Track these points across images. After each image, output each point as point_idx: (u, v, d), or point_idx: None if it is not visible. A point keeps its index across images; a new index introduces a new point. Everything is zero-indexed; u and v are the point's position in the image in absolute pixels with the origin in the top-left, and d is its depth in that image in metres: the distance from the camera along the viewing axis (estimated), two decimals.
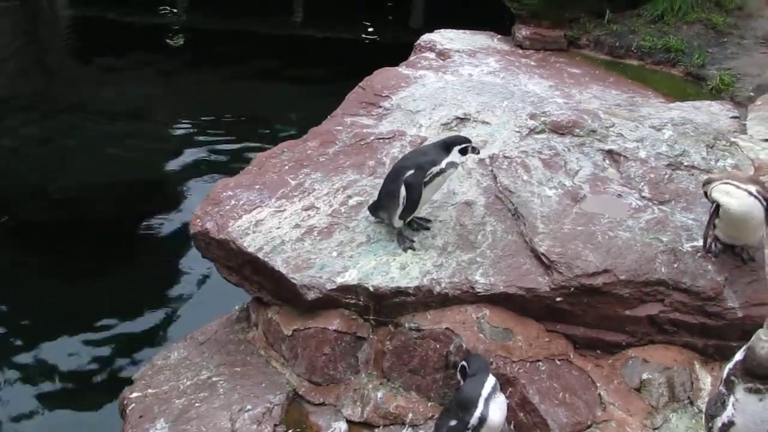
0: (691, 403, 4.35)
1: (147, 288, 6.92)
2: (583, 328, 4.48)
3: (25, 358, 6.26)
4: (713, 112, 5.99)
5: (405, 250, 4.68)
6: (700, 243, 4.58)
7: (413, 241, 4.71)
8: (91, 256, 7.28)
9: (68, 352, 6.30)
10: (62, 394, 6.00)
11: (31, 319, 6.64)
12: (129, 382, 5.01)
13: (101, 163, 8.65)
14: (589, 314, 4.45)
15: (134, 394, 4.79)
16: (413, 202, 4.59)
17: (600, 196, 5.01)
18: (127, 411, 4.70)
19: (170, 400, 4.64)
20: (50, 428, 5.73)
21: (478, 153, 4.94)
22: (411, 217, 4.72)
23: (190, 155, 8.83)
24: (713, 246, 4.53)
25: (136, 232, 7.71)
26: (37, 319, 6.62)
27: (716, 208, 4.44)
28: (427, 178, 4.56)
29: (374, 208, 4.85)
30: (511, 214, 4.89)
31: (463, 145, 4.66)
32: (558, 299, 4.43)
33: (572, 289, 4.42)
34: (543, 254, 4.54)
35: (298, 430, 4.39)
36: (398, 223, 4.70)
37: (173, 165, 8.71)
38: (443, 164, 4.59)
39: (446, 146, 4.67)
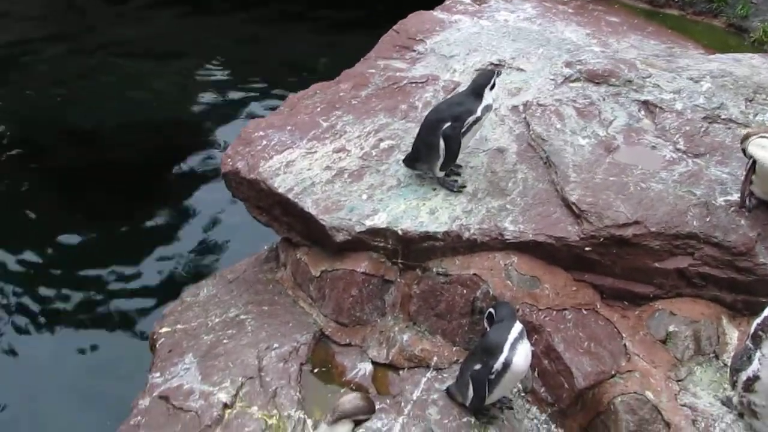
0: (717, 357, 4.34)
1: (177, 226, 6.98)
2: (611, 279, 4.47)
3: (55, 292, 6.37)
4: (754, 65, 5.84)
5: (459, 190, 4.71)
6: (734, 197, 4.53)
7: (456, 182, 4.74)
8: (122, 194, 7.34)
9: (99, 288, 6.41)
10: (93, 328, 6.12)
11: (62, 254, 6.74)
12: (159, 317, 5.09)
13: (133, 102, 8.67)
14: (618, 265, 4.44)
15: (164, 329, 4.88)
16: (453, 153, 4.63)
17: (634, 147, 4.95)
18: (157, 345, 4.79)
19: (199, 336, 4.72)
20: (81, 361, 5.86)
21: (500, 74, 4.93)
22: (451, 166, 4.75)
23: (221, 95, 8.82)
24: (748, 201, 4.47)
25: (166, 171, 7.75)
26: (69, 255, 6.72)
27: (753, 163, 4.37)
28: (464, 129, 4.56)
29: (411, 161, 4.83)
30: (542, 162, 4.86)
31: (492, 82, 4.65)
32: (587, 249, 4.41)
33: (602, 239, 4.40)
34: (574, 203, 4.52)
35: (323, 369, 4.46)
36: (440, 173, 4.73)
37: (204, 105, 8.72)
38: (479, 112, 4.60)
39: (478, 92, 4.65)
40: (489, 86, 4.64)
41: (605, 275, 4.47)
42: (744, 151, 4.43)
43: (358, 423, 3.39)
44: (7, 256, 6.67)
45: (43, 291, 6.39)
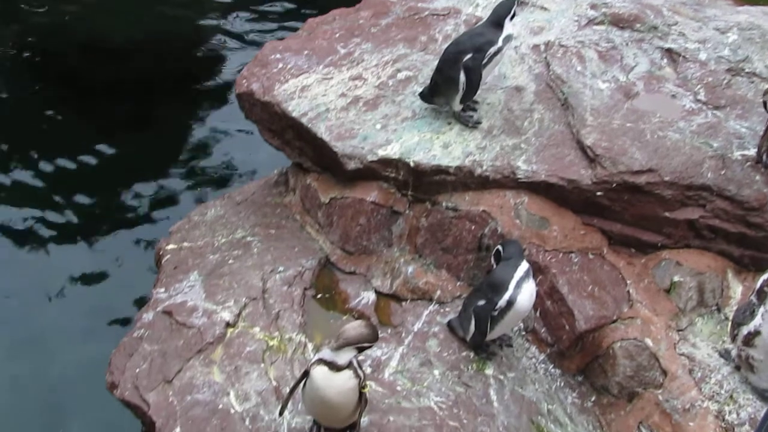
0: (719, 309, 4.36)
1: (188, 145, 6.95)
2: (620, 225, 4.46)
3: (64, 206, 6.38)
4: None
5: (475, 125, 4.66)
6: (751, 152, 4.49)
7: (472, 117, 4.69)
8: (135, 111, 7.29)
9: (107, 203, 6.43)
10: (100, 242, 6.14)
11: (72, 169, 6.72)
12: (165, 234, 5.10)
13: (150, 19, 8.53)
14: (628, 212, 4.42)
15: (170, 246, 4.89)
16: (474, 85, 4.56)
17: (653, 94, 4.88)
18: (163, 261, 4.81)
19: (204, 255, 4.74)
20: (87, 273, 5.89)
21: (520, 4, 4.87)
22: (470, 99, 4.68)
23: (239, 15, 8.66)
24: (765, 156, 4.43)
25: (180, 89, 7.69)
26: (79, 170, 6.71)
27: None
28: (485, 60, 4.49)
29: (429, 95, 4.75)
30: (560, 104, 4.80)
31: (512, 12, 4.57)
32: (598, 193, 4.39)
33: (614, 185, 4.37)
34: (589, 147, 4.48)
35: (327, 295, 4.48)
36: (458, 107, 4.67)
37: (221, 25, 8.58)
38: (500, 42, 4.52)
39: (498, 22, 4.57)
40: (509, 16, 4.56)
41: (614, 221, 4.46)
42: (765, 104, 4.37)
43: (360, 350, 3.41)
44: (19, 169, 6.66)
45: (52, 204, 6.39)
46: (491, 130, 4.66)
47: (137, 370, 4.12)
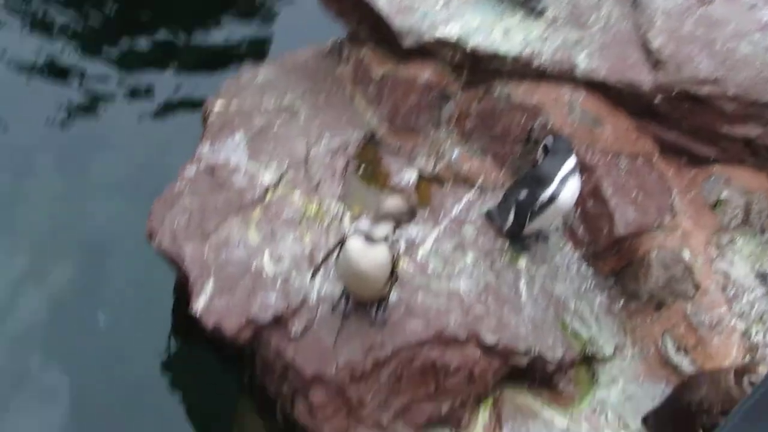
0: (762, 231, 4.29)
1: (245, 5, 6.82)
2: (675, 134, 4.36)
3: (117, 55, 6.34)
4: None
5: (539, 14, 4.52)
6: None
7: (537, 5, 4.54)
8: None
9: (155, 58, 6.35)
10: (148, 98, 6.11)
11: (126, 17, 6.64)
12: (214, 92, 5.07)
13: None
14: (686, 121, 4.31)
15: (218, 104, 4.86)
16: None
17: (731, 3, 4.66)
18: (209, 120, 4.78)
19: (251, 117, 4.71)
20: (135, 128, 5.89)
21: None
22: None
23: None
24: None
25: None
26: (133, 18, 6.62)
27: None
28: None
29: None
30: (630, 2, 4.62)
31: None
32: (657, 99, 4.28)
33: (675, 92, 4.25)
34: (654, 50, 4.33)
35: (369, 169, 4.46)
36: None
37: None
38: None
39: None
40: None
41: (670, 129, 4.36)
42: None
43: (397, 225, 3.41)
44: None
45: (105, 72, 6.33)
46: (556, 20, 4.51)
47: (176, 223, 4.16)
